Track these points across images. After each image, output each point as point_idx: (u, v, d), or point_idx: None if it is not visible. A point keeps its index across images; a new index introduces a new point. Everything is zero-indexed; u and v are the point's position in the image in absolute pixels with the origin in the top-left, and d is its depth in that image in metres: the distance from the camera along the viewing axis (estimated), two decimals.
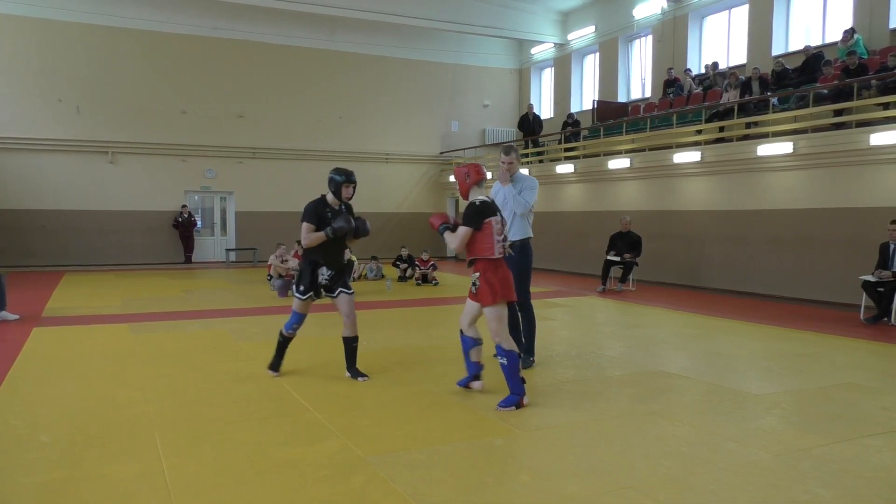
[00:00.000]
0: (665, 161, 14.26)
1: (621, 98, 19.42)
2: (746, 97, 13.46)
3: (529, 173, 7.17)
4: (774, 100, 12.78)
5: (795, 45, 14.85)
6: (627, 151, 15.37)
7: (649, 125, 15.61)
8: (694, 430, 4.51)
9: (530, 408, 4.96)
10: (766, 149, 12.02)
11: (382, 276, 14.59)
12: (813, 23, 14.81)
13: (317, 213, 5.58)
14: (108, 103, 18.17)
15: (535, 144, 19.89)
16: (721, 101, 13.97)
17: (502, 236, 5.06)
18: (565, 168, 17.21)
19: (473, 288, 5.08)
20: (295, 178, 19.40)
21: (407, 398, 5.25)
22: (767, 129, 12.33)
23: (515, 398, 4.92)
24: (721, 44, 17.02)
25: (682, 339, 8.20)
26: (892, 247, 9.26)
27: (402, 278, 14.50)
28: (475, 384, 5.36)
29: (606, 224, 14.82)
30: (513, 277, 5.19)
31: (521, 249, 6.05)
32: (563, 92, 21.83)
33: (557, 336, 8.11)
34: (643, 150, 15.03)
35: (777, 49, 15.01)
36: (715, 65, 16.03)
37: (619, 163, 15.32)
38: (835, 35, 13.79)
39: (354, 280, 13.70)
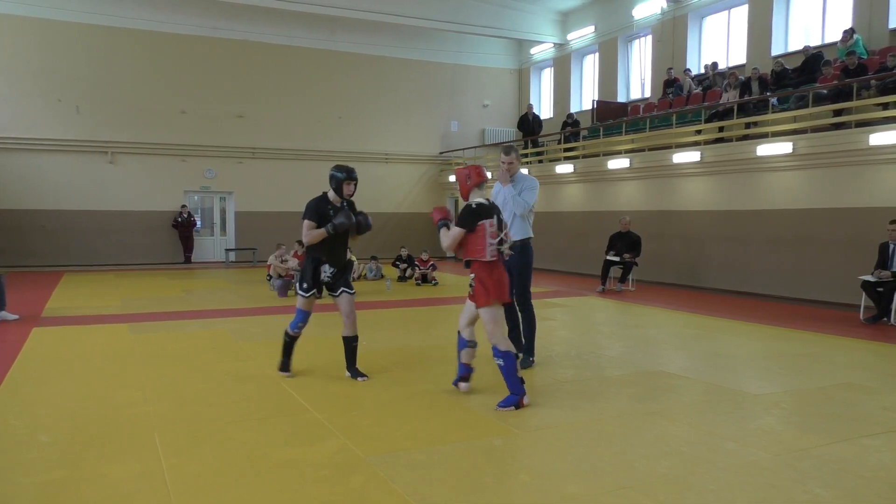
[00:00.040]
0: (664, 161, 14.26)
1: (621, 98, 19.41)
2: (746, 97, 13.46)
3: (529, 173, 7.15)
4: (774, 100, 12.78)
5: (795, 45, 14.85)
6: (627, 151, 15.37)
7: (649, 125, 15.61)
8: (693, 430, 4.52)
9: (530, 408, 4.96)
10: (765, 149, 12.03)
11: (382, 276, 14.60)
12: (812, 23, 14.80)
13: (318, 210, 5.58)
14: (108, 103, 18.17)
15: (535, 144, 19.88)
16: (720, 102, 13.97)
17: (497, 239, 5.05)
18: (565, 168, 17.21)
19: (470, 289, 5.11)
20: (294, 178, 19.38)
21: (407, 398, 5.26)
22: (767, 130, 12.33)
23: (514, 398, 4.93)
24: (720, 44, 17.02)
25: (682, 339, 8.21)
26: (891, 247, 9.27)
27: (402, 278, 14.51)
28: (461, 385, 5.37)
29: (606, 224, 14.82)
30: (513, 277, 5.19)
31: (522, 249, 6.05)
32: (562, 92, 21.83)
33: (557, 336, 8.11)
34: (643, 150, 15.03)
35: (776, 49, 15.00)
36: (714, 65, 16.04)
37: (618, 163, 15.32)
38: (834, 35, 13.78)
39: (354, 280, 13.69)
